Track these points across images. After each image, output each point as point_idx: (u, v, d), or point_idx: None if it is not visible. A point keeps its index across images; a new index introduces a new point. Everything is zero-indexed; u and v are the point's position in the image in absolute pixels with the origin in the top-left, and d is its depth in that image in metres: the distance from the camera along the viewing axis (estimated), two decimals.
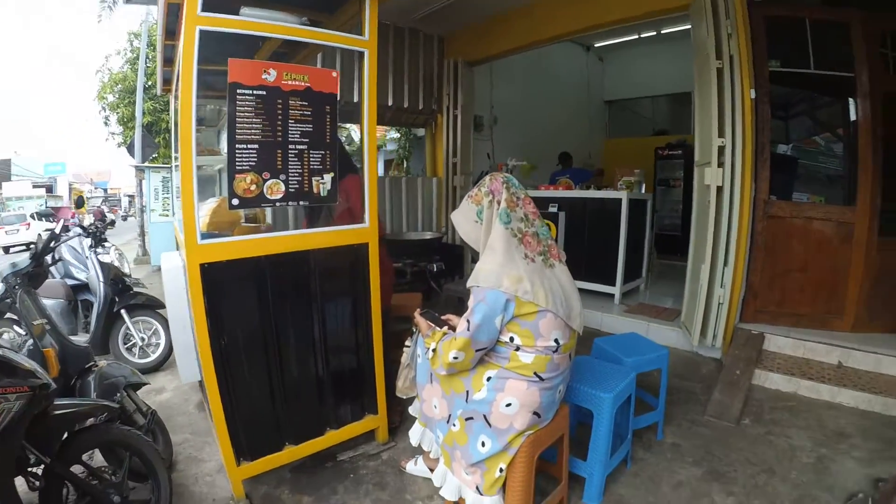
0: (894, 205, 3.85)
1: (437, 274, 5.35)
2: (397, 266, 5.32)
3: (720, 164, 3.71)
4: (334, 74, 2.35)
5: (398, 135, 11.42)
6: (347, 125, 11.20)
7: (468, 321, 1.79)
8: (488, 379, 1.89)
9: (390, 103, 6.17)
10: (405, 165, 10.92)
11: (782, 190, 4.07)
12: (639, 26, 8.09)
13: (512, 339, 1.83)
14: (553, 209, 5.58)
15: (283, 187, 2.23)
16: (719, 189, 3.74)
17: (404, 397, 2.47)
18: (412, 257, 5.44)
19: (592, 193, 5.44)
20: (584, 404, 2.29)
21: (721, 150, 3.69)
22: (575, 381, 2.29)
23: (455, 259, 5.83)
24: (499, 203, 1.85)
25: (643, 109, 10.24)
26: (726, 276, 3.79)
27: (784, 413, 3.21)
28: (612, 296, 5.21)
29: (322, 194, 2.35)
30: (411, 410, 2.51)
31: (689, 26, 4.36)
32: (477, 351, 1.84)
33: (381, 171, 12.58)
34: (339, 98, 2.37)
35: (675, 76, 8.42)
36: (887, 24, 3.90)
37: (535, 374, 1.83)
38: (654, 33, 8.36)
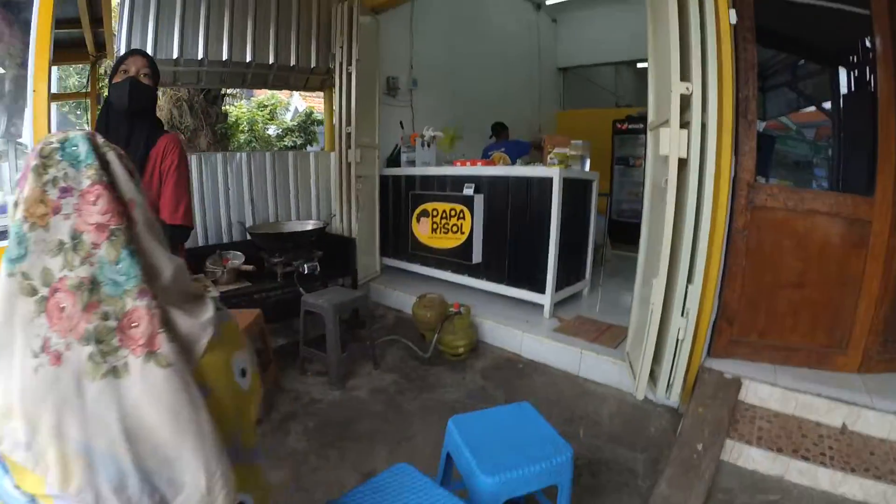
0: None
1: (308, 276, 4.01)
2: (264, 267, 4.09)
3: (684, 125, 2.41)
4: None
5: None
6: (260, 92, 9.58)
7: None
8: None
9: (271, 61, 4.73)
10: None
11: (760, 173, 2.80)
12: None
13: None
14: (468, 191, 4.28)
15: None
16: (682, 162, 2.44)
17: None
18: (286, 254, 4.11)
19: (516, 170, 4.12)
20: None
21: (686, 101, 2.38)
22: None
23: (342, 254, 4.48)
24: (16, 207, 0.75)
25: (604, 80, 8.87)
26: (690, 298, 2.48)
27: None
28: (541, 307, 3.93)
29: None
30: None
31: None
32: None
33: None
34: None
35: (641, 41, 7.01)
36: None
37: None
38: None
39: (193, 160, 4.47)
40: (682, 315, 2.48)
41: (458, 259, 4.45)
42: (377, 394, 3.15)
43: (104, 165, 0.79)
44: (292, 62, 4.86)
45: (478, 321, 3.88)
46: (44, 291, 0.73)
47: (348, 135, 4.87)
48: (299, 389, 3.23)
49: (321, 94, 5.68)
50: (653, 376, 2.67)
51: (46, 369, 0.71)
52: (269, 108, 9.67)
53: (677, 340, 2.51)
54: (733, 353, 2.83)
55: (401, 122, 5.61)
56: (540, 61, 8.31)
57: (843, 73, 3.02)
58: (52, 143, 0.77)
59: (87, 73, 4.50)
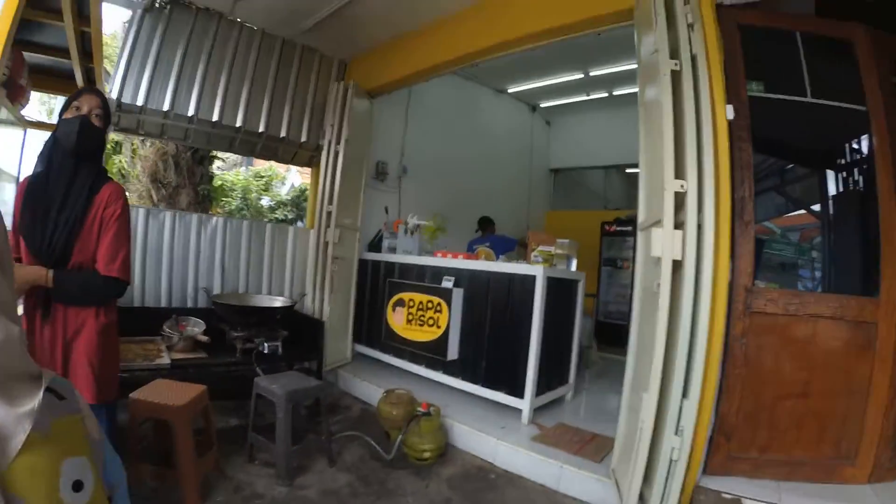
0: None
1: (269, 356, 3.72)
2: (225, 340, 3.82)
3: (678, 225, 2.27)
4: None
5: None
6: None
7: None
8: None
9: (261, 130, 4.76)
10: None
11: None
12: (588, 85, 7.10)
13: None
14: (448, 284, 4.09)
15: None
16: (676, 265, 2.28)
17: None
18: (248, 329, 3.83)
19: (498, 266, 3.95)
20: None
21: (681, 200, 2.26)
22: None
23: (311, 336, 4.18)
24: None
25: (594, 183, 9.05)
26: (686, 415, 2.22)
27: None
28: (520, 412, 3.59)
29: None
30: None
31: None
32: None
33: None
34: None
35: (631, 147, 7.20)
36: None
37: None
38: (606, 94, 7.32)
39: (167, 218, 4.35)
40: (677, 433, 2.20)
41: (432, 354, 4.15)
42: (327, 496, 2.77)
43: None
44: (282, 134, 4.88)
45: (449, 423, 3.54)
46: None
47: (328, 213, 4.77)
48: (242, 479, 2.87)
49: None
50: (642, 498, 2.34)
51: None
52: (265, 179, 9.75)
53: (670, 461, 2.21)
54: (732, 470, 2.52)
55: (385, 208, 5.53)
56: (532, 160, 8.48)
57: (839, 172, 3.01)
58: None
59: None
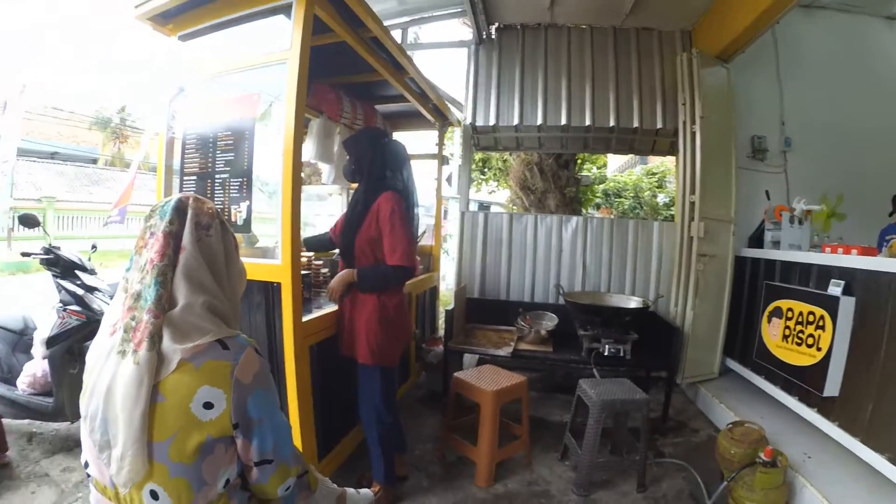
0: None
1: (610, 357, 3.69)
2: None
3: None
4: (254, 97, 2.37)
5: None
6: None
7: None
8: None
9: (612, 124, 4.70)
10: None
11: None
12: None
13: None
14: (835, 290, 3.03)
15: None
16: None
17: None
18: (594, 328, 3.84)
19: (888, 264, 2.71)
20: None
21: None
22: None
23: (666, 342, 3.80)
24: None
25: None
26: None
27: None
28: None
29: (238, 223, 2.42)
30: None
31: None
32: None
33: None
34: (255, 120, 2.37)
35: None
36: None
37: None
38: None
39: (528, 221, 4.87)
40: None
41: (806, 384, 3.18)
42: None
43: (182, 218, 1.17)
44: (635, 124, 4.70)
45: (799, 482, 2.70)
46: (127, 292, 1.15)
47: (692, 204, 4.27)
48: (542, 475, 2.99)
49: None
50: None
51: (107, 336, 1.14)
52: (657, 176, 9.50)
53: None
54: None
55: (766, 192, 4.50)
56: None
57: None
58: (159, 202, 1.21)
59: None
